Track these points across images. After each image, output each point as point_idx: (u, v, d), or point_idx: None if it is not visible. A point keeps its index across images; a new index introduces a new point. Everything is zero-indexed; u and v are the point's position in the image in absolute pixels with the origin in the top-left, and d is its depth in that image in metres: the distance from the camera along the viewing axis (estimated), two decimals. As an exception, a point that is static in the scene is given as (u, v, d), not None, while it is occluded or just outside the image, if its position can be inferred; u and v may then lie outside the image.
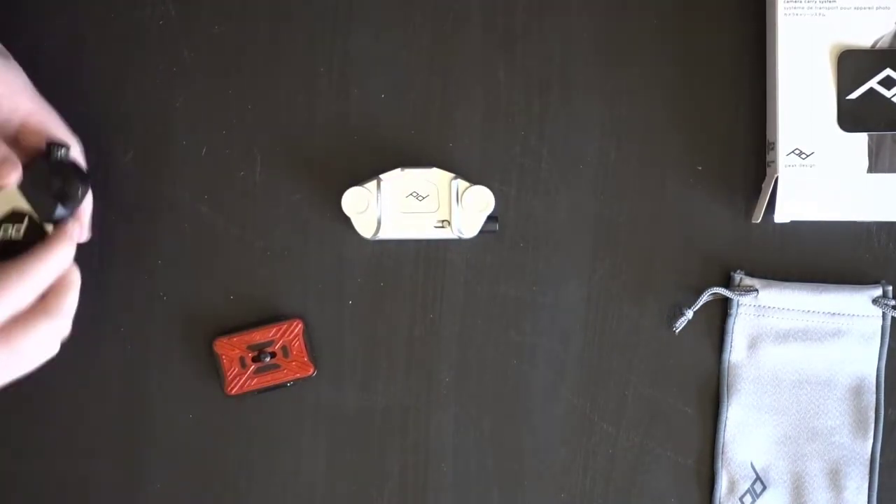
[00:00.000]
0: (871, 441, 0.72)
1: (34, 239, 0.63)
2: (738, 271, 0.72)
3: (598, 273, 0.73)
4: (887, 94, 0.69)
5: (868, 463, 0.72)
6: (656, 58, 0.72)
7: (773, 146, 0.69)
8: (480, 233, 0.71)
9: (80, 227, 0.65)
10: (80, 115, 0.71)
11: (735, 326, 0.72)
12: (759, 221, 0.71)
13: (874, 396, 0.72)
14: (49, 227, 0.63)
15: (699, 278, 0.72)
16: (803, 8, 0.69)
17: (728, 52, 0.72)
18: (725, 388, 0.72)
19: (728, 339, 0.72)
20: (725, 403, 0.72)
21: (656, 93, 0.72)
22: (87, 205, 0.68)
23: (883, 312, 0.71)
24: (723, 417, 0.72)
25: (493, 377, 0.73)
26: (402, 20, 0.73)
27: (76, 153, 0.67)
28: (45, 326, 0.60)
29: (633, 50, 0.73)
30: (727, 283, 0.72)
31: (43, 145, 0.65)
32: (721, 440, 0.72)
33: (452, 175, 0.70)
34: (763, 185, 0.71)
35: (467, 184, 0.70)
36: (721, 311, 0.73)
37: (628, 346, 0.73)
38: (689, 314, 0.71)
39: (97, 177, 0.72)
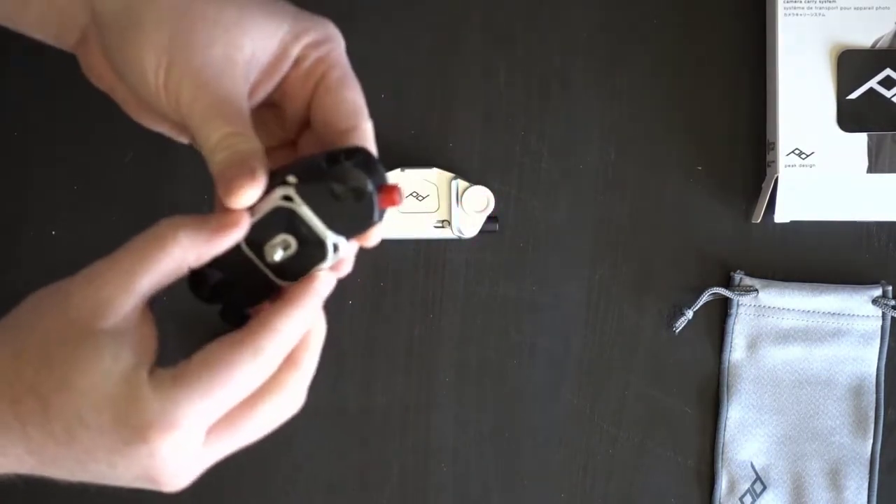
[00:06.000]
0: (871, 441, 0.72)
1: (309, 257, 0.46)
2: (738, 271, 0.72)
3: (598, 273, 0.72)
4: (887, 94, 0.69)
5: (868, 463, 0.72)
6: (656, 58, 0.72)
7: (773, 146, 0.69)
8: (480, 233, 0.71)
9: (344, 264, 0.48)
10: (80, 114, 0.71)
11: (735, 326, 0.72)
12: (759, 221, 0.71)
13: (874, 396, 0.72)
14: (330, 243, 0.46)
15: (699, 278, 0.72)
16: (803, 8, 0.69)
17: (728, 52, 0.72)
18: (725, 388, 0.72)
19: (728, 339, 0.72)
20: (725, 403, 0.72)
21: (656, 93, 0.72)
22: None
23: (883, 312, 0.71)
24: (723, 417, 0.72)
25: (493, 377, 0.73)
26: (402, 20, 0.73)
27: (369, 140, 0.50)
28: (296, 386, 0.46)
29: (632, 50, 0.73)
30: (727, 283, 0.72)
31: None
32: (721, 440, 0.72)
33: (452, 175, 0.70)
34: (763, 185, 0.71)
35: (467, 184, 0.71)
36: (721, 311, 0.73)
37: (628, 346, 0.72)
38: (689, 314, 0.71)
39: (97, 177, 0.72)
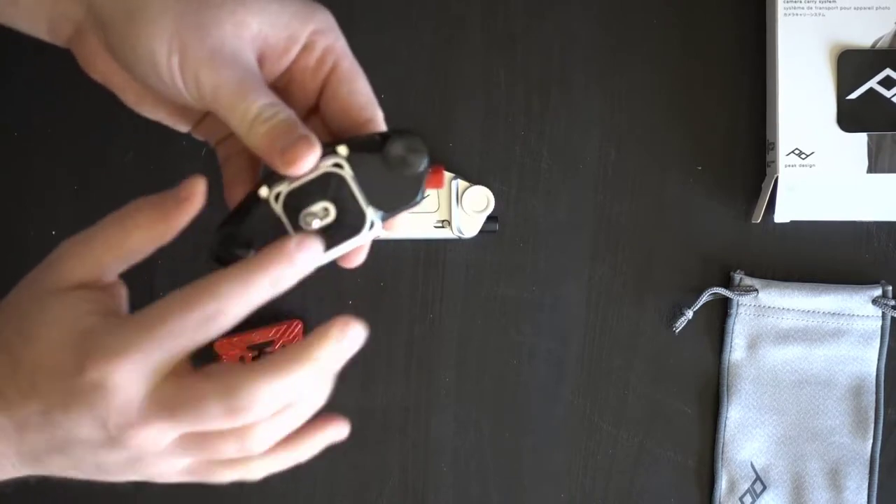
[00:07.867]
0: (871, 441, 0.72)
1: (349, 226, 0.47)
2: (738, 271, 0.72)
3: (598, 273, 0.73)
4: (887, 94, 0.69)
5: (868, 463, 0.72)
6: (656, 58, 0.72)
7: (773, 146, 0.69)
8: (480, 233, 0.71)
9: (358, 254, 0.50)
10: (80, 114, 0.71)
11: (735, 326, 0.72)
12: (759, 221, 0.71)
13: (874, 396, 0.72)
14: (369, 217, 0.47)
15: (699, 278, 0.72)
16: (803, 8, 0.69)
17: (728, 52, 0.72)
18: (725, 388, 0.72)
19: (728, 339, 0.72)
20: (725, 403, 0.72)
21: (656, 93, 0.72)
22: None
23: (883, 312, 0.71)
24: (723, 417, 0.72)
25: (493, 377, 0.73)
26: (403, 20, 0.73)
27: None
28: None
29: (633, 50, 0.73)
30: (727, 283, 0.72)
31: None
32: (721, 440, 0.72)
33: (452, 175, 0.70)
34: (763, 185, 0.71)
35: (467, 184, 0.71)
36: (721, 311, 0.73)
37: (628, 346, 0.72)
38: (689, 314, 0.71)
39: (97, 177, 0.72)
